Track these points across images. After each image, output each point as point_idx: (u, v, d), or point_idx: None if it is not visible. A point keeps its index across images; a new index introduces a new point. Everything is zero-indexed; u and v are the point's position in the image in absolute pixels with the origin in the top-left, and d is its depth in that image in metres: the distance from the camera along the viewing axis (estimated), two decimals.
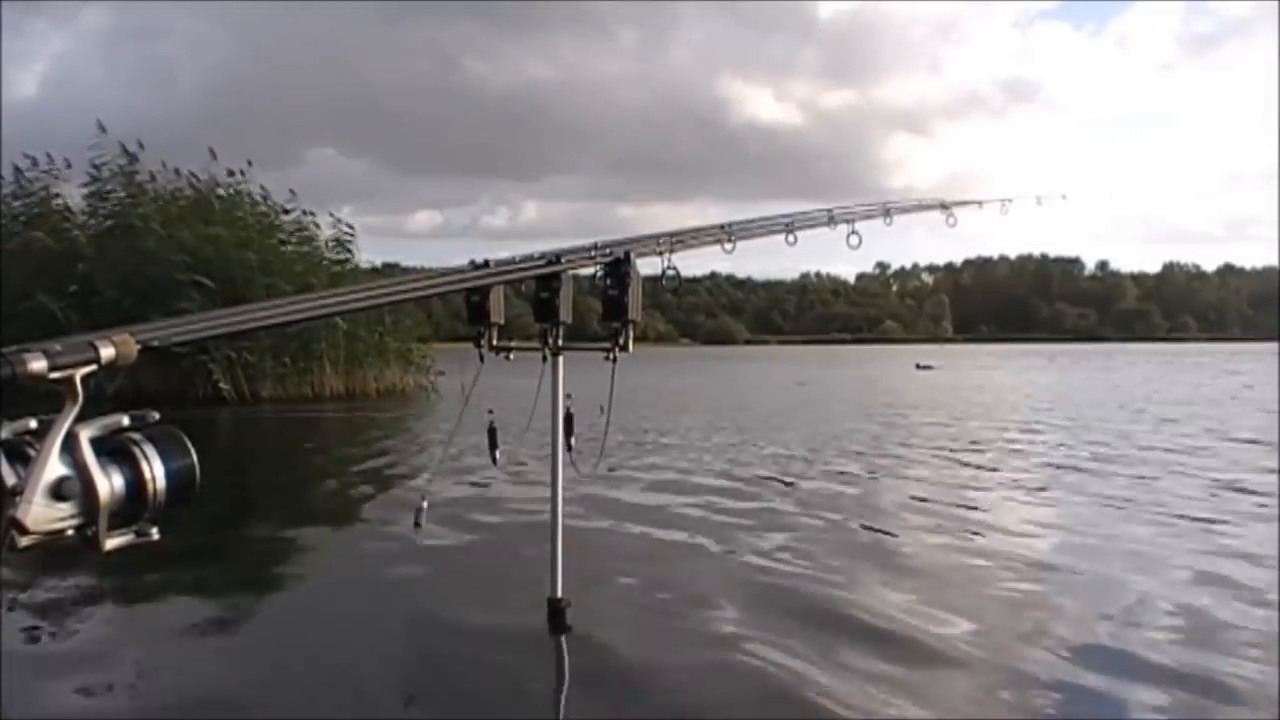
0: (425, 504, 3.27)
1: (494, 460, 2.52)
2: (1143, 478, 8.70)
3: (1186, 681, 3.42)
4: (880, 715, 3.23)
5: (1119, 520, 6.73)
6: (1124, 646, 3.90)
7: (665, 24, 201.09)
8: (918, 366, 37.12)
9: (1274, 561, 5.23)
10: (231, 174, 21.51)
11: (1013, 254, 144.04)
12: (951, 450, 10.95)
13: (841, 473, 9.08)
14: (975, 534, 6.23)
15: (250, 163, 21.87)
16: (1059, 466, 9.59)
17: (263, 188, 21.89)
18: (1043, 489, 8.28)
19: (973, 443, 11.69)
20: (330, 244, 22.06)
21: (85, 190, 20.96)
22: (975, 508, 7.23)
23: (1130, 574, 5.12)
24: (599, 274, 2.12)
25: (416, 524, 3.29)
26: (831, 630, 4.11)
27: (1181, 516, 6.75)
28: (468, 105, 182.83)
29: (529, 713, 3.34)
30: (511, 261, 1.89)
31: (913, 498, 7.71)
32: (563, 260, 2.01)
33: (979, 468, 9.58)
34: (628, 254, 2.08)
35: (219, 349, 17.03)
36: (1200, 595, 4.67)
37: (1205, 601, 4.55)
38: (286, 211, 21.83)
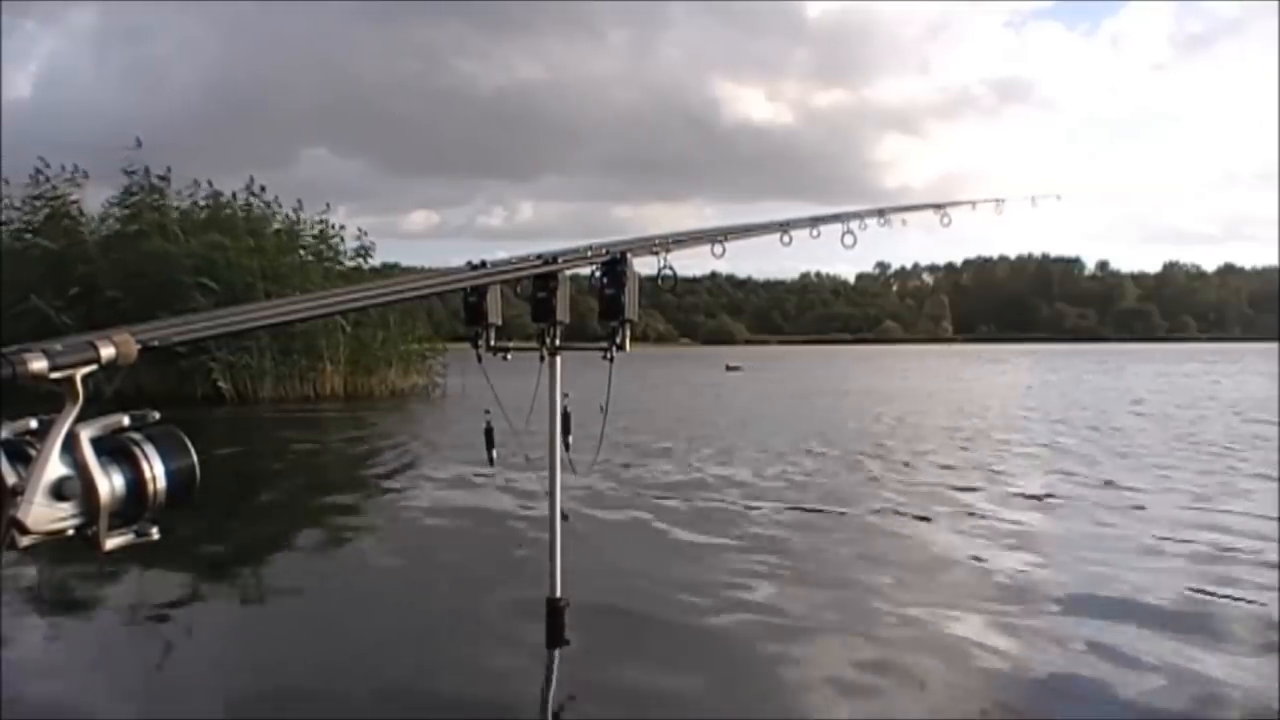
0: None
1: (490, 460, 2.53)
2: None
3: None
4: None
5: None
6: None
7: (655, 25, 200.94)
8: (727, 368, 37.20)
9: None
10: (254, 194, 21.79)
11: (1013, 254, 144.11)
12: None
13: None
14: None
15: (253, 180, 22.10)
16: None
17: (299, 202, 22.13)
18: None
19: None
20: (353, 253, 22.27)
21: (114, 194, 21.09)
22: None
23: None
24: (596, 273, 2.14)
25: None
26: None
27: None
28: (460, 105, 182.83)
29: (525, 712, 3.35)
30: (508, 262, 1.90)
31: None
32: (559, 260, 2.02)
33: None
34: (624, 254, 2.10)
35: (219, 349, 17.04)
36: None
37: None
38: (322, 223, 22.02)
